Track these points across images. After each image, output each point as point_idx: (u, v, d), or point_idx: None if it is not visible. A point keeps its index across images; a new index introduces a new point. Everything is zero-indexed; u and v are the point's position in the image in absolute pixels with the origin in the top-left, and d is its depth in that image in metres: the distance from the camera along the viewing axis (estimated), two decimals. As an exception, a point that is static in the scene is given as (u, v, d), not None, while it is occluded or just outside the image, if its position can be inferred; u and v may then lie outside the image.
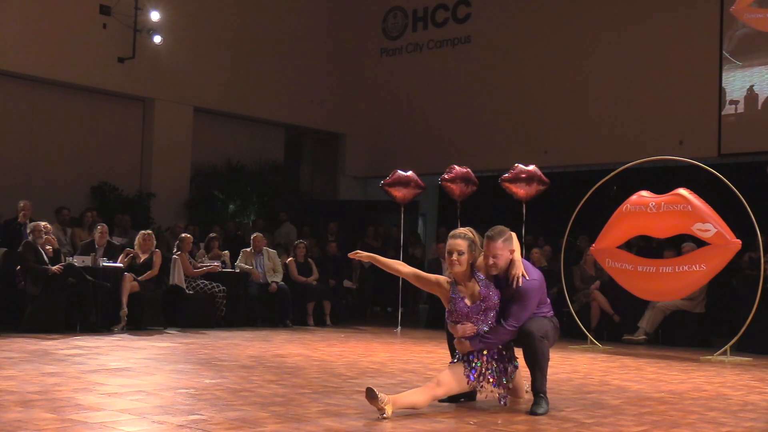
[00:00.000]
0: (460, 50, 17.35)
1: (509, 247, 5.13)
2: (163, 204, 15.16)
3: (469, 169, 11.50)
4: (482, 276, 5.13)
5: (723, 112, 13.94)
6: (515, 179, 10.99)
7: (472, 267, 5.12)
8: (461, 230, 5.15)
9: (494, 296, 5.10)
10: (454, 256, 5.05)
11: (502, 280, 5.17)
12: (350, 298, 14.23)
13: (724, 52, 13.88)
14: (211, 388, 5.62)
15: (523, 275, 5.10)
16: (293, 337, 10.19)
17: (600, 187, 9.91)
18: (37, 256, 9.78)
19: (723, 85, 13.97)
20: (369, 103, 18.43)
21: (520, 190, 11.00)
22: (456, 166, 11.39)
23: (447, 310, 5.19)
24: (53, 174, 14.19)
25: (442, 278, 5.24)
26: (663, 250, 10.70)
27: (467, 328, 5.07)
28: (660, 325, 10.73)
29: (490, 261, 5.09)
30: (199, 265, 11.43)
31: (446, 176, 11.27)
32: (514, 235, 5.20)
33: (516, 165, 11.12)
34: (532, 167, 11.06)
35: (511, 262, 5.13)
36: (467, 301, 5.09)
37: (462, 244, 5.05)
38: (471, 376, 5.05)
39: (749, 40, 13.68)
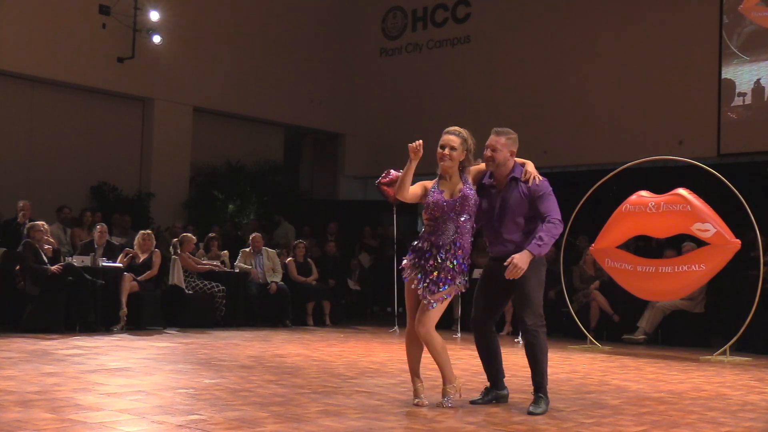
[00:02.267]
0: (460, 50, 17.34)
1: (510, 148, 5.18)
2: (162, 204, 15.16)
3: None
4: (469, 181, 5.15)
5: (732, 104, 13.96)
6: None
7: (461, 169, 5.13)
8: (455, 128, 5.14)
9: (473, 199, 5.08)
10: (446, 150, 5.08)
11: (493, 192, 5.21)
12: (349, 297, 14.23)
13: (732, 47, 13.90)
14: (210, 388, 5.63)
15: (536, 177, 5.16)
16: (293, 337, 10.19)
17: (599, 186, 9.91)
18: (36, 256, 9.77)
19: (732, 78, 13.98)
20: (368, 103, 18.42)
21: None
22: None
23: (425, 205, 5.15)
24: (53, 174, 14.18)
25: (425, 183, 5.19)
26: (662, 250, 10.71)
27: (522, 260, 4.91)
28: (659, 325, 10.74)
29: (488, 153, 5.15)
30: (201, 262, 11.43)
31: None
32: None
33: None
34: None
35: (525, 164, 5.22)
36: (446, 195, 5.08)
37: (455, 140, 5.08)
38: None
39: (757, 36, 13.74)
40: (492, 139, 5.18)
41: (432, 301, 5.02)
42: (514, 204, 5.15)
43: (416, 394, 5.23)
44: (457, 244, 5.05)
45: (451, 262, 5.02)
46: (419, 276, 5.05)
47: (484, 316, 5.34)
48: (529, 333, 5.11)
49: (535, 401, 5.07)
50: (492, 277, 5.26)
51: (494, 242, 5.28)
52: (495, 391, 5.36)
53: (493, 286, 5.27)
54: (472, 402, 5.28)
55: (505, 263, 4.92)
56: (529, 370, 5.20)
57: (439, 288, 5.01)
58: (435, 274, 5.01)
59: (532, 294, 5.13)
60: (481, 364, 5.49)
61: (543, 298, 5.24)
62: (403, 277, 5.15)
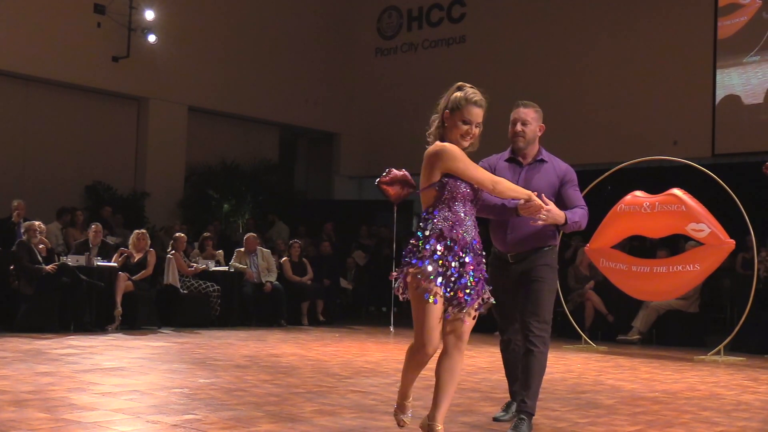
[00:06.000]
0: (455, 50, 17.35)
1: (539, 122, 4.64)
2: (157, 203, 15.14)
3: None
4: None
5: (726, 105, 13.99)
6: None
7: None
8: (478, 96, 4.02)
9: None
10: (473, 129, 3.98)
11: (514, 177, 4.51)
12: (345, 297, 14.23)
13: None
14: (205, 388, 5.62)
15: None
16: (288, 336, 10.19)
17: (594, 187, 9.92)
18: (30, 256, 9.75)
19: (727, 78, 14.03)
20: (364, 102, 18.42)
21: None
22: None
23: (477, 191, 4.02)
24: (47, 173, 14.16)
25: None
26: (657, 249, 10.73)
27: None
28: (654, 324, 10.75)
29: (519, 127, 4.56)
30: (192, 264, 11.42)
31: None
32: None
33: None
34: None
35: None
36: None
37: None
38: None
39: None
40: (521, 111, 4.59)
41: (473, 312, 3.86)
42: (545, 189, 4.35)
43: (404, 411, 4.13)
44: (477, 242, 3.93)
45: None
46: (456, 280, 3.80)
47: (509, 325, 4.67)
48: (532, 342, 4.39)
49: (517, 426, 4.29)
50: (509, 279, 4.53)
51: (515, 237, 4.49)
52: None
53: (510, 290, 4.53)
54: (496, 419, 4.74)
55: (539, 206, 4.03)
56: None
57: (479, 295, 3.88)
58: (469, 278, 3.84)
59: (545, 298, 4.47)
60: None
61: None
62: (420, 283, 3.78)
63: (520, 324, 4.51)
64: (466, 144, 3.94)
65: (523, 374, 4.42)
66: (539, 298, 4.45)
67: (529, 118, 4.59)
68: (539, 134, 4.63)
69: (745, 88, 13.94)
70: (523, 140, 4.58)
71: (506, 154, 4.70)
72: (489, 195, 4.09)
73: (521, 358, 4.48)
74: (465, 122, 3.93)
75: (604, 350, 9.67)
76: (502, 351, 4.81)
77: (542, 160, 4.61)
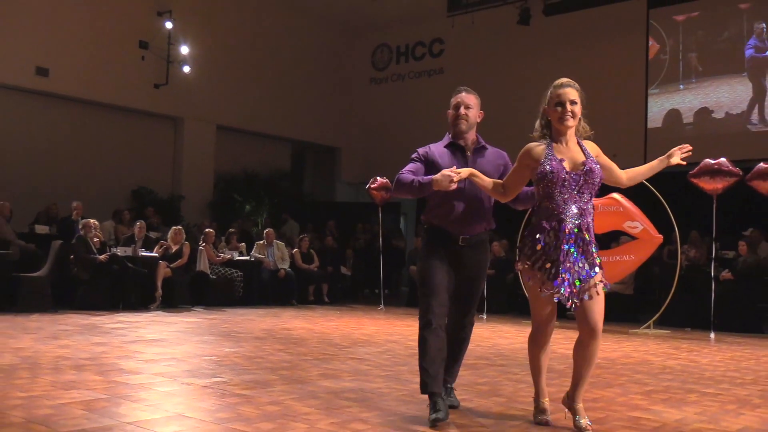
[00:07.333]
0: (435, 79, 17.37)
1: (479, 108, 4.07)
2: (191, 204, 15.12)
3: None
4: (586, 147, 3.51)
5: (656, 124, 14.12)
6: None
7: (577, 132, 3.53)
8: (566, 79, 3.60)
9: (598, 173, 3.43)
10: (568, 107, 3.45)
11: (459, 163, 3.90)
12: (345, 282, 14.23)
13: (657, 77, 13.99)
14: (230, 356, 5.63)
15: None
16: (298, 313, 10.20)
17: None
18: (87, 248, 9.75)
19: (657, 101, 14.13)
20: (361, 122, 18.43)
21: None
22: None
23: (537, 173, 3.40)
24: (100, 179, 14.11)
25: (529, 147, 3.57)
26: (611, 242, 10.77)
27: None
28: (597, 304, 10.77)
29: (462, 111, 3.94)
30: (219, 254, 11.42)
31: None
32: None
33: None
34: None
35: None
36: (566, 164, 3.39)
37: (573, 93, 3.52)
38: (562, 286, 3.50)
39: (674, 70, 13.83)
40: (463, 96, 3.97)
41: (592, 292, 3.61)
42: (492, 172, 3.83)
43: (542, 412, 3.62)
44: (588, 229, 3.51)
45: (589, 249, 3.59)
46: (558, 268, 3.53)
47: (444, 310, 3.69)
48: (468, 330, 3.93)
49: (450, 393, 3.95)
50: (456, 264, 3.74)
51: (465, 222, 3.75)
52: (449, 398, 3.93)
53: (454, 274, 3.75)
54: (452, 407, 3.90)
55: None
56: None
57: (594, 270, 3.61)
58: (576, 263, 3.57)
59: (480, 293, 3.94)
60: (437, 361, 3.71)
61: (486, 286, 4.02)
62: (525, 278, 3.54)
63: (456, 313, 3.84)
64: (569, 124, 3.45)
65: (455, 355, 3.90)
66: (477, 296, 3.90)
67: (471, 103, 3.98)
68: (478, 120, 4.00)
69: (648, 115, 14.16)
70: (466, 123, 3.92)
71: (445, 140, 3.95)
72: (405, 174, 3.74)
73: (454, 343, 3.83)
74: (558, 104, 3.46)
75: (557, 325, 9.66)
76: (439, 338, 3.65)
77: (484, 146, 3.97)
